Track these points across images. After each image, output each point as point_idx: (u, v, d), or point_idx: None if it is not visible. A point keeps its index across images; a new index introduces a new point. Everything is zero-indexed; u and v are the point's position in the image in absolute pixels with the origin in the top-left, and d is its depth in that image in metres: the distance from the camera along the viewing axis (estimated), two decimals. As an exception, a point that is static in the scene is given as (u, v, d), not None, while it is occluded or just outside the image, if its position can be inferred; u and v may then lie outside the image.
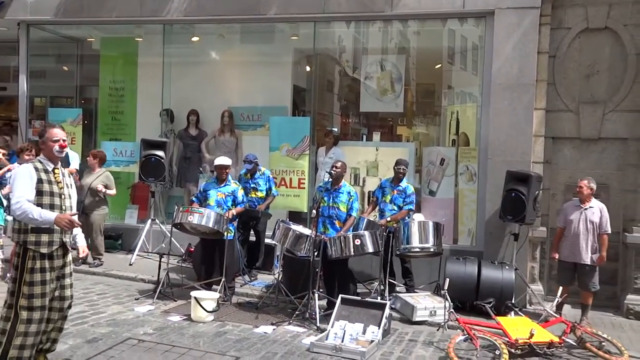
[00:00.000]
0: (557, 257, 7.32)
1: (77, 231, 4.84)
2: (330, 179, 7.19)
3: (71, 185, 4.70)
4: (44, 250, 4.37)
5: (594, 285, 7.06)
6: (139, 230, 9.27)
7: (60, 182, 4.53)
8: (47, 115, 10.71)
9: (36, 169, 4.41)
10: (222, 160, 7.63)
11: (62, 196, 4.50)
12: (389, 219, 7.51)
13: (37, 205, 4.30)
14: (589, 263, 7.02)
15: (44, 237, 4.37)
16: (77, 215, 4.53)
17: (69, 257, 4.65)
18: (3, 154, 7.62)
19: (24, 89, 10.56)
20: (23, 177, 4.35)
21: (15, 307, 4.35)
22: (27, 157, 7.58)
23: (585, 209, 7.10)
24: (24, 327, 4.30)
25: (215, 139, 9.85)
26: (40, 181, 4.38)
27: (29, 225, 4.33)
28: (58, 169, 4.57)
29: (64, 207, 4.49)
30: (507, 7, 7.99)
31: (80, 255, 4.90)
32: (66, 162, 8.86)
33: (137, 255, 8.91)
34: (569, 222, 7.17)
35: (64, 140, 4.53)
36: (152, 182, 9.06)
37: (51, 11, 9.99)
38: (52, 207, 4.39)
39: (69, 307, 4.73)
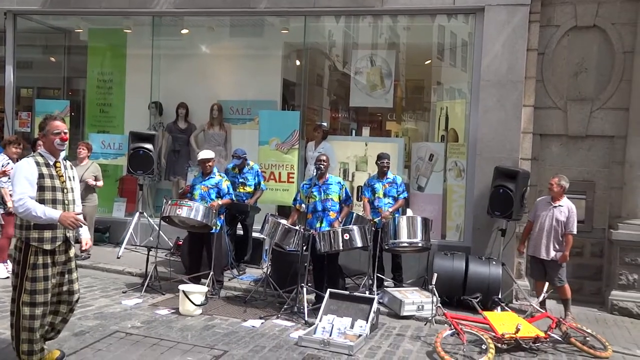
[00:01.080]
0: (522, 250, 7.49)
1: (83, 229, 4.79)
2: (316, 174, 7.18)
3: (74, 177, 4.65)
4: (47, 246, 4.34)
5: (560, 280, 7.14)
6: (127, 223, 9.24)
7: (62, 175, 4.48)
8: (34, 106, 10.61)
9: (37, 163, 4.36)
10: (205, 154, 7.61)
11: (65, 190, 4.46)
12: (391, 210, 7.53)
13: (39, 201, 4.26)
14: (548, 259, 7.11)
15: (47, 234, 4.33)
16: (81, 214, 4.53)
17: (72, 252, 4.64)
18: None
19: (10, 80, 10.46)
20: (24, 173, 4.29)
21: (17, 303, 4.34)
22: (14, 150, 7.54)
23: (555, 206, 7.16)
24: (28, 323, 4.31)
25: (204, 132, 9.83)
26: (41, 176, 4.33)
27: (31, 222, 4.29)
28: (60, 162, 4.51)
29: (66, 202, 4.46)
30: (497, 4, 8.02)
31: (83, 248, 4.86)
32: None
33: (125, 248, 8.87)
34: (537, 217, 7.28)
35: (65, 133, 4.48)
36: (140, 175, 9.03)
37: (38, 1, 9.90)
38: (54, 202, 4.35)
39: (77, 300, 4.74)
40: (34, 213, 4.17)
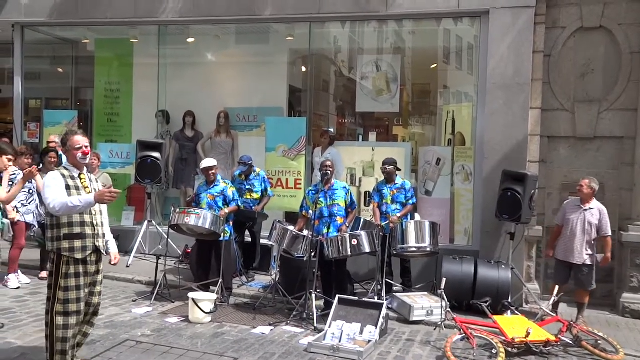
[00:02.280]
0: (551, 255, 7.37)
1: (110, 237, 4.87)
2: (321, 180, 7.20)
3: (99, 189, 4.71)
4: (78, 255, 4.42)
5: (590, 284, 7.10)
6: (136, 232, 9.28)
7: (87, 187, 4.57)
8: (43, 117, 10.70)
9: (63, 175, 4.46)
10: (207, 162, 7.65)
11: None
12: (399, 215, 7.54)
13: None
14: (581, 263, 7.04)
15: (77, 243, 4.42)
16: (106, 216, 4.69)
17: (102, 265, 4.70)
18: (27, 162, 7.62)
19: (19, 91, 10.55)
20: (52, 183, 4.38)
21: (51, 314, 4.41)
22: (25, 161, 7.58)
23: (585, 209, 7.10)
24: (62, 333, 4.38)
25: (211, 140, 9.87)
26: (67, 187, 4.42)
27: (61, 232, 4.38)
28: (84, 174, 4.61)
29: (93, 212, 4.54)
30: (501, 6, 8.03)
31: (112, 262, 4.93)
32: (60, 164, 8.87)
33: (134, 257, 8.90)
34: (567, 221, 7.18)
35: (86, 147, 4.57)
36: (148, 183, 9.07)
37: (45, 13, 9.98)
38: (81, 213, 4.43)
39: (95, 313, 4.79)
40: (70, 204, 4.28)
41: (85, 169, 4.66)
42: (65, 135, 4.66)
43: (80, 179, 4.55)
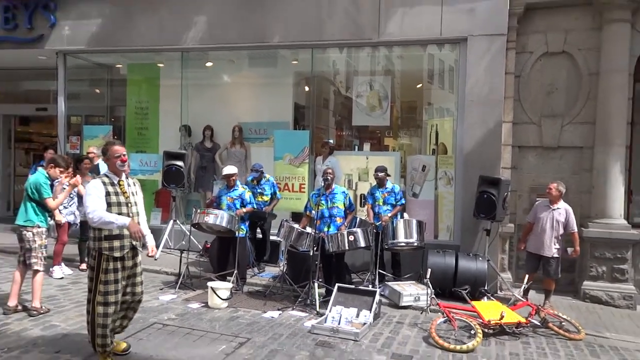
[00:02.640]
0: (523, 248, 7.37)
1: (147, 233, 4.84)
2: (323, 185, 7.23)
3: (137, 193, 4.72)
4: (116, 254, 4.42)
5: (557, 274, 7.11)
6: (163, 230, 9.26)
7: (125, 192, 4.55)
8: (82, 131, 10.73)
9: (104, 183, 4.46)
10: (228, 169, 7.68)
11: (129, 204, 4.55)
12: (389, 215, 7.54)
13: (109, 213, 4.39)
14: (550, 256, 7.06)
15: (116, 243, 4.43)
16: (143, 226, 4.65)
17: (139, 258, 4.69)
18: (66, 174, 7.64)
19: (62, 109, 10.61)
20: (93, 192, 4.39)
21: (92, 303, 4.42)
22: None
23: (554, 209, 7.12)
24: (102, 320, 4.39)
25: (227, 150, 9.89)
26: (107, 194, 4.42)
27: (102, 234, 4.39)
28: (123, 180, 4.59)
29: (131, 214, 4.53)
30: (478, 34, 8.05)
31: (150, 254, 4.93)
32: (97, 171, 8.91)
33: (161, 251, 8.90)
34: (538, 219, 7.19)
35: (124, 155, 4.57)
36: (173, 188, 9.08)
37: (84, 42, 10.05)
38: (120, 214, 4.44)
39: (139, 301, 4.79)
40: (106, 219, 4.30)
41: (124, 175, 4.63)
42: (105, 146, 4.66)
43: (120, 185, 4.54)
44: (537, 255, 7.17)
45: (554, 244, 7.06)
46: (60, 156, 6.23)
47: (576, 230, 7.15)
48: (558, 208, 7.12)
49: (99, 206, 4.33)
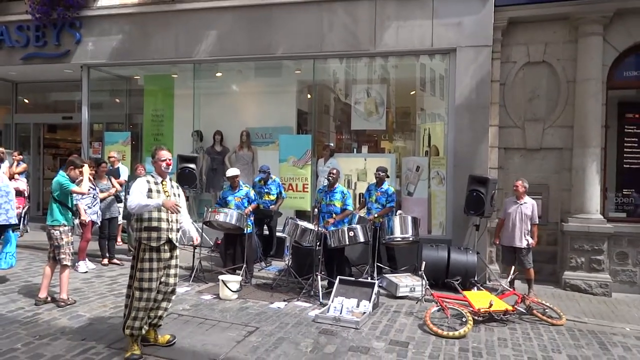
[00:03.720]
0: (498, 242, 7.37)
1: (189, 227, 4.90)
2: (328, 183, 7.24)
3: (179, 195, 4.76)
4: (153, 244, 4.47)
5: (529, 263, 7.11)
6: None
7: (167, 191, 4.62)
8: (104, 137, 10.74)
9: (148, 181, 4.55)
10: (233, 171, 7.68)
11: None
12: (375, 215, 7.54)
13: (150, 211, 4.46)
14: (523, 246, 7.07)
15: (154, 234, 4.48)
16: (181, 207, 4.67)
17: (177, 252, 4.71)
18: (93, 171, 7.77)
19: (85, 118, 10.68)
20: (137, 189, 4.49)
21: (132, 288, 4.49)
22: (90, 172, 7.62)
23: (521, 204, 7.15)
24: (137, 303, 4.44)
25: (235, 153, 9.88)
26: (149, 190, 4.50)
27: (142, 225, 4.46)
28: (166, 181, 4.67)
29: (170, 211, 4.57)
30: (466, 45, 8.06)
31: (195, 243, 5.17)
32: (117, 174, 8.91)
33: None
34: (507, 214, 7.21)
35: (170, 160, 4.67)
36: (186, 189, 9.03)
37: (106, 56, 10.11)
38: (160, 210, 4.50)
39: (172, 292, 4.77)
40: (142, 203, 4.38)
41: (167, 176, 4.70)
42: (154, 150, 4.72)
43: (162, 185, 4.61)
44: (510, 247, 7.18)
45: (524, 236, 7.07)
46: (76, 157, 6.27)
47: (537, 222, 7.17)
48: (525, 202, 7.15)
49: (137, 199, 4.41)
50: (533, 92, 8.20)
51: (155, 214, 4.50)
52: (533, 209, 7.12)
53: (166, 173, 4.68)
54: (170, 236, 4.56)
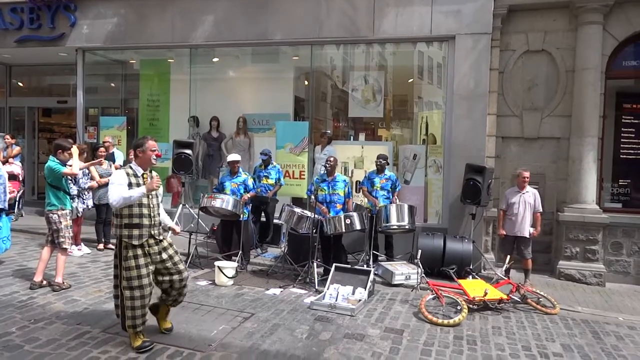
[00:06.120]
0: (504, 234, 7.30)
1: (165, 217, 4.66)
2: (326, 171, 7.21)
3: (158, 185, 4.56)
4: (135, 242, 4.29)
5: (529, 253, 7.15)
6: (173, 214, 9.21)
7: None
8: (99, 122, 10.67)
9: (127, 174, 4.35)
10: (233, 157, 7.64)
11: (150, 196, 4.40)
12: (396, 198, 7.57)
13: (129, 205, 4.26)
14: (527, 236, 7.09)
15: (135, 232, 4.29)
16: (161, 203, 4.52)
17: (165, 243, 4.51)
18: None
19: (80, 102, 10.58)
20: (116, 181, 4.29)
21: (120, 288, 4.36)
22: (84, 155, 7.61)
23: (523, 193, 7.17)
24: (130, 303, 4.29)
25: (232, 139, 9.83)
26: (130, 184, 4.29)
27: (122, 222, 4.28)
28: (147, 173, 4.46)
29: (151, 205, 4.40)
30: (465, 33, 8.00)
31: (177, 231, 4.80)
32: (112, 159, 8.86)
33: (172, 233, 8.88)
34: (510, 204, 7.22)
35: (159, 151, 4.50)
36: (182, 174, 9.05)
37: (101, 39, 10.00)
38: (140, 205, 4.31)
39: (185, 276, 4.64)
40: (125, 195, 4.18)
41: (148, 168, 4.50)
42: (141, 139, 4.48)
43: (143, 177, 4.41)
44: (512, 237, 7.19)
45: (528, 225, 7.09)
46: (63, 139, 6.19)
47: (541, 210, 7.18)
48: (527, 192, 7.17)
49: (120, 192, 4.22)
50: (532, 80, 8.16)
51: (136, 210, 4.28)
52: (536, 198, 7.15)
53: (152, 164, 4.46)
54: (152, 232, 4.37)
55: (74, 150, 6.06)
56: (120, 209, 4.28)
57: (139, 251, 4.32)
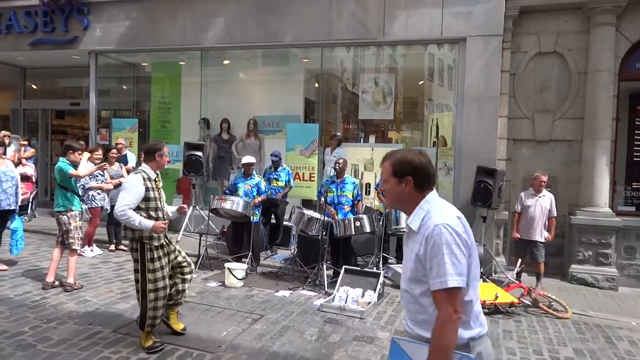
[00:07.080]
0: (519, 236, 7.24)
1: (167, 208, 4.67)
2: (335, 173, 7.22)
3: (161, 187, 4.68)
4: (156, 243, 4.37)
5: (541, 256, 7.08)
6: (183, 215, 9.29)
7: (159, 188, 4.53)
8: (111, 124, 10.77)
9: (144, 179, 4.37)
10: (248, 159, 7.67)
11: (160, 199, 4.51)
12: None
13: (146, 209, 4.32)
14: (541, 240, 7.03)
15: (155, 233, 4.36)
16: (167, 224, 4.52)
17: (174, 243, 4.67)
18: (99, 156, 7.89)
19: (93, 104, 10.68)
20: (132, 187, 4.30)
21: (143, 292, 4.36)
22: (95, 157, 7.68)
23: (539, 197, 7.10)
24: (153, 304, 4.35)
25: (242, 141, 9.86)
26: (147, 189, 4.35)
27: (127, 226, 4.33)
28: (158, 177, 4.56)
29: (161, 206, 4.49)
30: (475, 34, 7.95)
31: (185, 209, 4.80)
32: (124, 161, 8.94)
33: (182, 234, 8.90)
34: (525, 207, 7.15)
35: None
36: (193, 176, 9.08)
37: (114, 42, 10.08)
38: (156, 209, 4.39)
39: (190, 272, 4.75)
40: (132, 221, 4.20)
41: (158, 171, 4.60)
42: (160, 144, 4.58)
43: (155, 181, 4.49)
44: (526, 240, 7.13)
45: (543, 229, 7.04)
46: (73, 140, 6.28)
47: (556, 215, 7.12)
48: (543, 195, 7.10)
49: (131, 205, 4.24)
50: (543, 82, 8.10)
51: (152, 213, 4.37)
52: (552, 202, 7.08)
53: (162, 168, 4.59)
54: (166, 232, 4.50)
55: (84, 155, 6.15)
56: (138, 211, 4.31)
57: (162, 252, 4.43)
